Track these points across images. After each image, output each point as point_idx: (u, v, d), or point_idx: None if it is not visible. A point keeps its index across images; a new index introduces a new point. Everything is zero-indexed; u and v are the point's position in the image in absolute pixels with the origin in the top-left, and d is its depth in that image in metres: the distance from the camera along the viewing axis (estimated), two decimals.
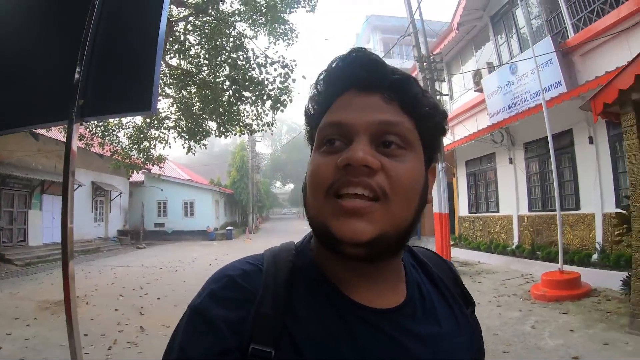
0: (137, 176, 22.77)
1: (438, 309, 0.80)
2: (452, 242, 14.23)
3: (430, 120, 0.73)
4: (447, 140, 15.15)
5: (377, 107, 0.68)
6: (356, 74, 0.70)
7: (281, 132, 76.01)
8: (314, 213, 0.69)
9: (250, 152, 38.29)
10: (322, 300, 0.70)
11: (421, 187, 0.71)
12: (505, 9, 13.12)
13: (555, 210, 10.02)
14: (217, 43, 10.48)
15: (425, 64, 12.60)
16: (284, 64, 10.43)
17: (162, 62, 2.58)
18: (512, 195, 12.62)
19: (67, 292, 2.33)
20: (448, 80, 16.84)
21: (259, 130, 11.81)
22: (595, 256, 9.08)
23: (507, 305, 7.74)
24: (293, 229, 40.02)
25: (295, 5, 11.01)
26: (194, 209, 30.45)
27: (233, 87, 10.38)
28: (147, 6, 2.42)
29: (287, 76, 10.39)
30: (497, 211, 13.76)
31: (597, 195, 9.39)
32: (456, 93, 16.20)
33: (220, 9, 10.60)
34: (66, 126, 2.23)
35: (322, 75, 0.75)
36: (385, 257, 0.71)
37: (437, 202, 11.63)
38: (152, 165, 14.44)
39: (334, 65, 0.73)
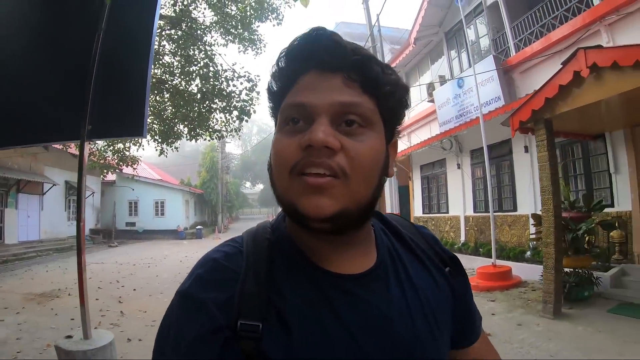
0: (109, 176, 23.12)
1: (411, 269, 0.84)
2: None
3: (391, 98, 0.75)
4: (403, 145, 16.19)
5: (338, 88, 0.70)
6: (318, 55, 0.71)
7: (251, 132, 75.79)
8: (281, 191, 0.71)
9: (220, 153, 38.51)
10: (299, 272, 0.74)
11: (381, 164, 0.74)
12: (458, 27, 13.99)
13: (497, 211, 11.19)
14: (190, 53, 11.12)
15: None
16: (249, 78, 11.33)
17: None
18: (460, 198, 13.58)
19: (80, 278, 3.26)
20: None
21: (227, 136, 12.56)
22: (528, 253, 10.12)
23: None
24: None
25: (264, 18, 11.65)
26: (164, 208, 30.73)
27: (203, 97, 11.13)
28: (137, 47, 3.35)
29: (252, 89, 11.26)
30: (447, 212, 14.79)
31: (531, 198, 10.45)
32: (414, 102, 17.05)
33: (194, 19, 11.12)
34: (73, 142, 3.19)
35: (284, 53, 0.75)
36: (350, 229, 0.73)
37: (390, 204, 12.62)
38: (126, 166, 14.99)
39: (295, 43, 0.74)
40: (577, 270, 7.25)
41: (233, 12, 11.34)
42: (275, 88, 0.78)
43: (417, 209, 17.09)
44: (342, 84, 0.70)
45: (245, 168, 66.63)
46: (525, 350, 5.27)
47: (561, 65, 6.05)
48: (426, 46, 16.03)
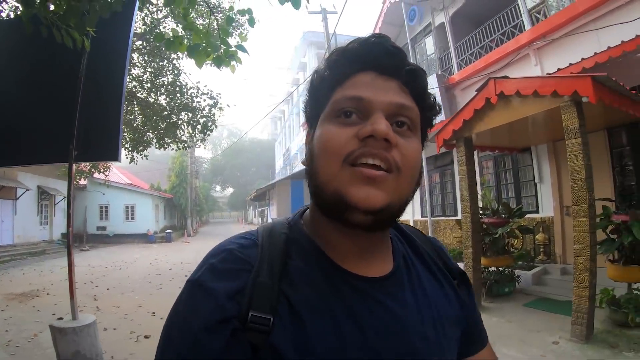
0: (81, 180, 23.50)
1: (423, 279, 0.85)
2: None
3: (430, 112, 0.80)
4: None
5: (395, 91, 0.73)
6: (378, 58, 0.73)
7: (222, 136, 75.81)
8: (326, 179, 0.70)
9: (189, 157, 38.84)
10: (316, 269, 0.73)
11: (420, 168, 0.76)
12: (409, 44, 15.06)
13: (441, 216, 12.28)
14: (158, 65, 11.83)
15: None
16: (211, 96, 12.23)
17: None
18: (417, 203, 14.50)
19: (70, 273, 4.15)
20: None
21: (192, 146, 13.37)
22: None
23: None
24: (231, 232, 41.92)
25: (230, 33, 12.33)
26: (134, 212, 31.05)
27: (171, 110, 11.87)
28: (112, 90, 4.26)
29: (214, 105, 12.18)
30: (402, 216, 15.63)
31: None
32: None
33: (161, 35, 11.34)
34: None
35: (341, 51, 0.77)
36: (384, 226, 0.76)
37: None
38: (99, 173, 15.57)
39: (355, 44, 0.76)
40: (498, 268, 8.21)
41: (201, 28, 11.67)
42: (320, 82, 0.78)
43: None
44: (398, 88, 0.73)
45: (215, 172, 66.35)
46: None
47: (476, 92, 7.09)
48: None
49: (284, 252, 0.74)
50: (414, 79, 0.75)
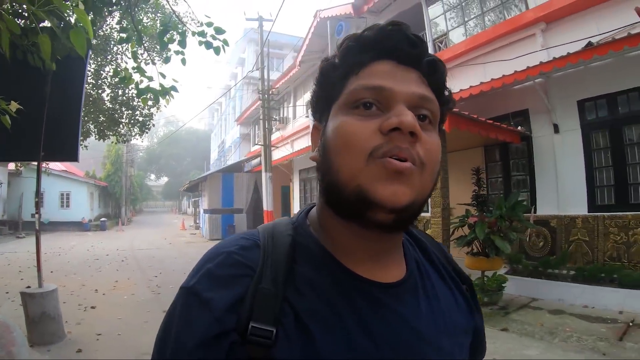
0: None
1: (436, 285, 0.80)
2: None
3: (447, 105, 0.75)
4: (287, 151, 18.81)
5: (416, 82, 0.68)
6: (398, 47, 0.68)
7: (158, 124, 72.43)
8: (349, 176, 0.64)
9: (125, 146, 38.18)
10: (325, 274, 0.68)
11: (440, 164, 0.71)
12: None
13: None
14: (101, 61, 12.29)
15: (266, 95, 16.15)
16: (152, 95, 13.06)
17: None
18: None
19: (38, 249, 5.58)
20: (294, 102, 20.44)
21: (131, 140, 14.15)
22: None
23: None
24: (165, 222, 41.34)
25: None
26: (70, 200, 30.57)
27: (113, 105, 12.61)
28: (71, 103, 5.21)
29: (154, 103, 12.55)
30: None
31: None
32: (298, 114, 19.81)
33: (105, 33, 11.76)
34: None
35: (353, 39, 0.72)
36: (404, 226, 0.71)
37: (265, 201, 15.22)
38: None
39: (371, 32, 0.70)
40: None
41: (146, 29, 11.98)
42: (332, 70, 0.72)
43: (296, 207, 19.71)
44: (419, 79, 0.69)
45: (150, 161, 65.05)
46: None
47: None
48: (310, 68, 18.33)
49: (289, 256, 0.68)
50: (434, 71, 0.70)
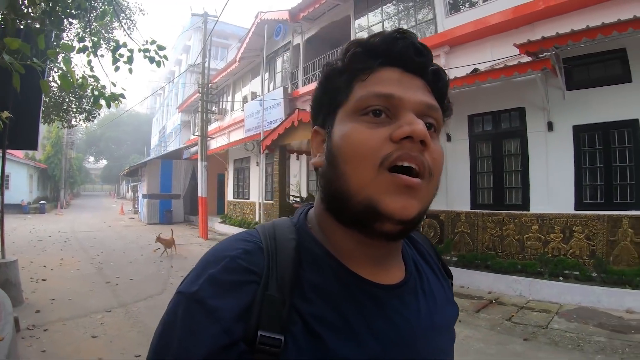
0: None
1: (431, 282, 0.82)
2: (221, 220, 19.32)
3: (447, 112, 0.75)
4: (224, 141, 19.88)
5: (423, 90, 0.69)
6: (406, 55, 0.69)
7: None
8: (358, 186, 0.64)
9: (66, 127, 36.74)
10: (330, 277, 0.68)
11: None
12: (272, 55, 17.69)
13: (265, 200, 15.20)
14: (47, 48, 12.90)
15: (205, 89, 17.16)
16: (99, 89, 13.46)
17: None
18: (257, 188, 16.75)
19: (2, 229, 6.46)
20: (232, 95, 21.55)
21: (77, 125, 14.40)
22: None
23: None
24: (103, 206, 41.18)
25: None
26: (9, 182, 29.07)
27: (60, 91, 12.62)
28: (31, 100, 6.04)
29: (100, 96, 13.36)
30: (249, 198, 18.60)
31: (262, 191, 14.53)
32: (236, 107, 20.84)
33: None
34: None
35: (359, 45, 0.72)
36: (408, 234, 0.75)
37: (200, 188, 16.26)
38: None
39: (377, 38, 0.71)
40: None
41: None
42: (338, 75, 0.72)
43: (229, 195, 20.76)
44: (424, 88, 0.70)
45: (90, 142, 63.07)
46: None
47: (286, 117, 10.20)
48: (249, 65, 19.49)
49: (295, 260, 0.66)
50: (438, 79, 0.72)
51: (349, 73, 0.71)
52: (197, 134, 18.83)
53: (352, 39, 6.98)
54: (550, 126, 8.14)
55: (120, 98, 5.29)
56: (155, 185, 22.37)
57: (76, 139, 48.78)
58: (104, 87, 5.26)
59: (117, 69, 5.54)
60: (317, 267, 0.68)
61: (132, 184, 46.68)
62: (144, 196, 23.71)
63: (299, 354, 0.60)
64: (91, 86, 5.09)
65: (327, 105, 0.74)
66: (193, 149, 21.87)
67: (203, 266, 0.64)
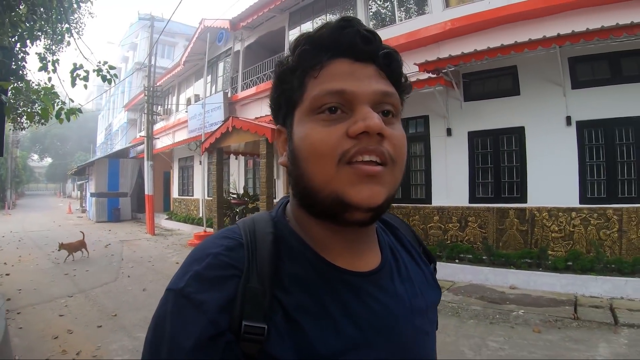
0: None
1: (409, 268, 0.84)
2: (167, 216, 20.13)
3: (406, 92, 0.77)
4: (169, 141, 20.71)
5: (376, 78, 0.69)
6: (354, 44, 0.69)
7: None
8: (322, 183, 0.67)
9: (18, 130, 35.52)
10: (307, 267, 0.71)
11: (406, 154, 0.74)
12: (214, 60, 18.61)
13: (208, 197, 16.27)
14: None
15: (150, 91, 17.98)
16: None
17: None
18: (200, 186, 17.25)
19: None
20: (177, 96, 22.34)
21: (28, 127, 14.74)
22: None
23: (174, 249, 13.33)
24: (50, 205, 40.77)
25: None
26: None
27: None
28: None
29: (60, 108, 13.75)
30: (193, 195, 19.59)
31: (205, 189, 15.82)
32: (181, 108, 21.61)
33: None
34: None
35: (309, 37, 0.72)
36: (377, 220, 0.76)
37: (147, 187, 17.12)
38: None
39: (325, 30, 0.71)
40: None
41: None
42: (290, 74, 0.73)
43: (175, 192, 21.74)
44: (377, 74, 0.70)
45: (34, 140, 61.79)
46: None
47: (223, 122, 11.33)
48: (193, 67, 20.29)
49: (273, 253, 0.69)
50: (390, 62, 0.72)
51: (300, 71, 0.71)
52: (142, 134, 19.51)
53: (286, 45, 9.85)
54: (449, 132, 9.53)
55: (77, 112, 5.73)
56: (103, 184, 22.85)
57: (21, 136, 47.23)
58: (64, 102, 5.75)
59: (74, 85, 6.15)
60: (294, 258, 0.71)
61: (78, 183, 46.16)
62: (92, 195, 24.12)
63: (281, 340, 0.63)
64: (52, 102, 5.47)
65: (284, 105, 0.75)
66: (139, 148, 22.44)
67: (189, 264, 0.68)
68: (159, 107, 20.83)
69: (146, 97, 17.92)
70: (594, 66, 8.06)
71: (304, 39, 0.73)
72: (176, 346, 0.60)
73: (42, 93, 5.28)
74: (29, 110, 6.33)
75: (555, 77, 8.06)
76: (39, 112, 5.25)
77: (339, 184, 0.66)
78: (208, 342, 0.60)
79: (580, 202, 7.99)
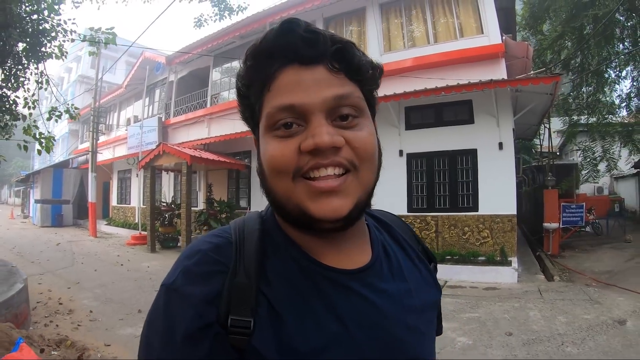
0: None
1: (404, 266, 0.84)
2: (107, 222, 22.55)
3: (372, 81, 0.75)
4: (109, 155, 23.13)
5: (326, 81, 0.67)
6: (295, 48, 0.67)
7: None
8: (283, 197, 0.69)
9: None
10: (292, 264, 0.72)
11: (377, 146, 0.74)
12: (152, 86, 21.19)
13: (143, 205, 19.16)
14: None
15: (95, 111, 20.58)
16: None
17: None
18: (136, 195, 20.25)
19: None
20: (118, 114, 24.77)
21: None
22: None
23: (114, 247, 16.19)
24: None
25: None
26: None
27: None
28: None
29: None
30: (130, 203, 22.06)
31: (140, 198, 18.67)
32: (121, 126, 24.03)
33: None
34: None
35: (254, 50, 0.71)
36: (355, 222, 0.73)
37: (90, 195, 19.66)
38: None
39: (266, 38, 0.70)
40: (166, 233, 15.57)
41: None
42: (246, 90, 0.73)
43: (114, 200, 24.18)
44: (328, 76, 0.68)
45: None
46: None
47: (156, 146, 14.46)
48: (134, 90, 22.60)
49: (259, 249, 0.71)
50: (344, 58, 0.69)
51: (255, 86, 0.71)
52: (84, 145, 21.84)
53: (209, 83, 16.81)
54: (400, 153, 11.44)
55: (52, 141, 7.31)
56: (48, 191, 24.65)
57: None
58: (42, 135, 7.05)
59: (49, 120, 7.86)
60: (279, 254, 0.73)
61: (15, 189, 46.96)
62: (36, 201, 25.83)
63: (265, 335, 0.65)
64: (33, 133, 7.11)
65: (250, 119, 0.77)
66: (81, 159, 24.82)
67: (181, 260, 0.71)
68: (102, 125, 23.12)
69: (92, 117, 20.33)
70: (422, 113, 11.24)
71: (250, 52, 0.71)
72: (167, 338, 0.64)
73: (45, 139, 7.30)
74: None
75: (393, 121, 11.12)
76: (42, 148, 7.03)
77: (299, 197, 0.67)
78: (197, 333, 0.63)
79: (408, 211, 11.13)
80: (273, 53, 0.69)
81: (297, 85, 0.67)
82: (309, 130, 0.66)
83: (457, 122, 10.91)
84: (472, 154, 10.57)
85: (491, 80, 9.38)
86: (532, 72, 11.81)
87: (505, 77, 10.20)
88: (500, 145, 10.23)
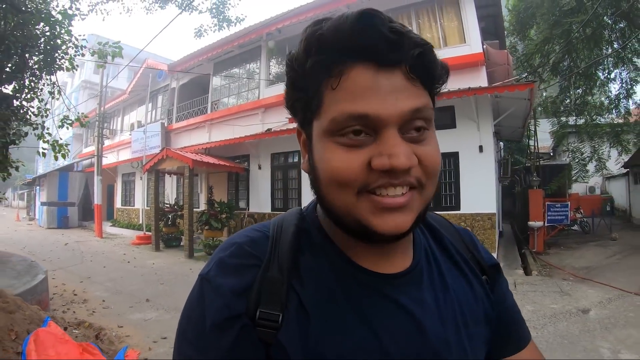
0: None
1: (447, 275, 0.80)
2: (112, 224, 23.08)
3: (441, 84, 0.69)
4: (113, 158, 23.87)
5: (404, 90, 0.62)
6: (376, 46, 0.60)
7: None
8: (343, 210, 0.65)
9: None
10: (325, 264, 0.71)
11: (441, 162, 0.69)
12: (154, 93, 21.85)
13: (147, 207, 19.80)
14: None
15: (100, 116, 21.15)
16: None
17: None
18: (140, 198, 20.80)
19: None
20: (122, 119, 25.46)
21: None
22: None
23: (120, 247, 16.82)
24: None
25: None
26: None
27: None
28: None
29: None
30: (134, 205, 22.72)
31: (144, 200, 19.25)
32: (125, 131, 24.70)
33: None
34: None
35: (321, 39, 0.63)
36: (411, 232, 0.69)
37: (96, 197, 20.25)
38: None
39: (343, 30, 0.61)
40: (170, 233, 16.16)
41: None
42: (303, 81, 0.67)
43: (119, 202, 24.84)
44: (406, 83, 0.62)
45: None
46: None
47: (160, 151, 15.11)
48: (137, 96, 23.24)
49: (293, 245, 0.71)
50: (424, 65, 0.63)
51: (314, 79, 0.65)
52: (89, 149, 22.60)
53: (210, 89, 18.55)
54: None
55: (67, 149, 7.50)
56: (54, 194, 25.16)
57: None
58: (57, 142, 7.35)
59: (61, 127, 8.27)
60: (315, 252, 0.72)
61: (19, 192, 47.41)
62: (42, 204, 26.28)
63: (292, 332, 0.65)
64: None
65: (300, 111, 0.71)
66: (85, 162, 25.29)
67: (216, 252, 0.72)
68: (107, 129, 23.82)
69: (97, 123, 20.80)
70: None
71: (316, 40, 0.63)
72: (198, 326, 0.65)
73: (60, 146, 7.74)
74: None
75: None
76: (58, 154, 7.36)
77: (361, 213, 0.64)
78: (224, 322, 0.64)
79: None
80: (349, 46, 0.61)
81: (371, 91, 0.61)
82: (382, 145, 0.61)
83: (440, 126, 10.79)
84: (454, 156, 11.00)
85: (469, 88, 9.86)
86: (513, 77, 12.44)
87: (486, 84, 10.87)
88: (481, 148, 10.74)
